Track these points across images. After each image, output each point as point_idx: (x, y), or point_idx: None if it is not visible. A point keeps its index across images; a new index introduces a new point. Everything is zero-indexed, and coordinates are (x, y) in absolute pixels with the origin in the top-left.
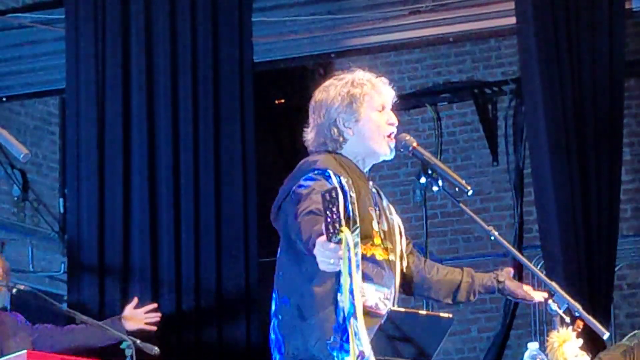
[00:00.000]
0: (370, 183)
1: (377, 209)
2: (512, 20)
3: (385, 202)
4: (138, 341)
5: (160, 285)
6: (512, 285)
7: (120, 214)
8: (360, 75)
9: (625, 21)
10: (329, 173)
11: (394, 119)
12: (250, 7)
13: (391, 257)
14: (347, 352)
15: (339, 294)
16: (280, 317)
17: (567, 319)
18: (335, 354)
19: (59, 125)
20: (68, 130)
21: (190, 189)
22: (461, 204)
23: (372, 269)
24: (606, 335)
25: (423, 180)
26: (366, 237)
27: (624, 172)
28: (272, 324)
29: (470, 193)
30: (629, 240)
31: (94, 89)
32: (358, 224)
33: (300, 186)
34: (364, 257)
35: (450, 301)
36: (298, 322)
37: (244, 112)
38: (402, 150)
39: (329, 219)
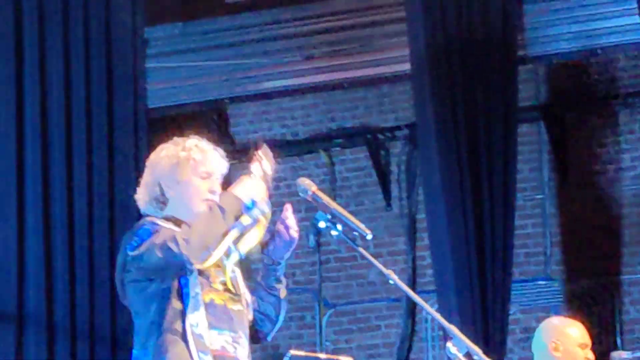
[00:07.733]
0: None
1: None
2: (406, 66)
3: None
4: None
5: (56, 331)
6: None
7: (14, 259)
8: (193, 141)
9: (517, 68)
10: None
11: (217, 189)
12: (144, 53)
13: (237, 307)
14: None
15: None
16: None
17: None
18: None
19: None
20: None
21: (85, 234)
22: (360, 249)
23: (212, 315)
24: None
25: (322, 225)
26: (205, 284)
27: (517, 217)
28: None
29: (369, 237)
30: (521, 285)
31: None
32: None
33: (136, 245)
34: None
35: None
36: None
37: (138, 158)
38: (301, 194)
39: None
